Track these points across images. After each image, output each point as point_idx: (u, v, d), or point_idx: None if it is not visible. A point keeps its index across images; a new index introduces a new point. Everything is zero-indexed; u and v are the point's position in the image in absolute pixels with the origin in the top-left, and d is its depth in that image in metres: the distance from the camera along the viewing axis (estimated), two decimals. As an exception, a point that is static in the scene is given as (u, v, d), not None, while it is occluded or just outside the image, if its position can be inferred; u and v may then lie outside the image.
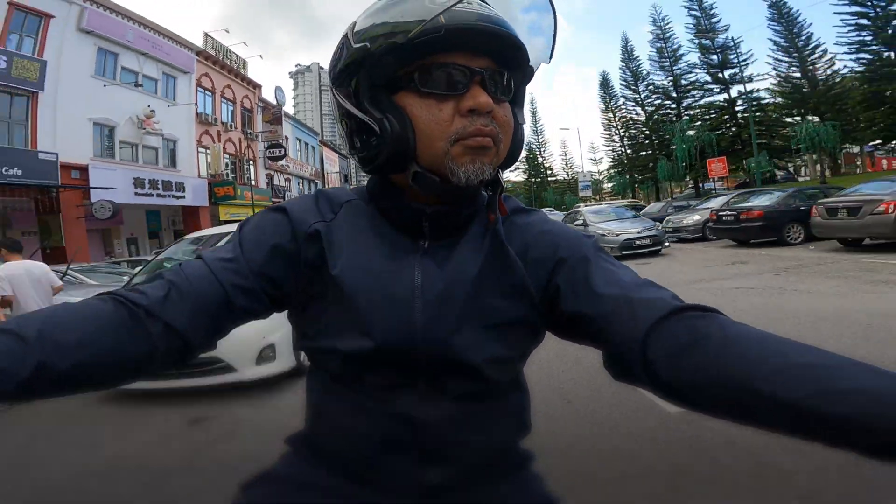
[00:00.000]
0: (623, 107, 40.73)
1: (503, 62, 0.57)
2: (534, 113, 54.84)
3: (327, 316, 0.60)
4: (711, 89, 33.90)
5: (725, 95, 33.14)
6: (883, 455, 0.38)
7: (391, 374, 0.59)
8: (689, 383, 0.48)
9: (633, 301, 0.54)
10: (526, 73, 0.61)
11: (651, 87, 37.43)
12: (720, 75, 32.82)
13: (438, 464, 0.60)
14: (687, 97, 35.09)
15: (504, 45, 0.56)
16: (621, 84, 39.82)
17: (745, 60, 30.84)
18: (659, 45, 35.81)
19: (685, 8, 33.42)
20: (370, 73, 0.56)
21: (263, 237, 0.61)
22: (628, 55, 38.77)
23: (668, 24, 35.68)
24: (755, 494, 1.98)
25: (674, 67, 35.17)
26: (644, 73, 37.89)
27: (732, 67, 31.57)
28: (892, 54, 25.54)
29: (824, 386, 0.40)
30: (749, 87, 31.40)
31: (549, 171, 56.01)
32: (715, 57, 32.62)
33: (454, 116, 0.55)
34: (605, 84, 43.11)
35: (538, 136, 54.39)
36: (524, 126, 0.63)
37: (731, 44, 31.07)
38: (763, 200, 11.15)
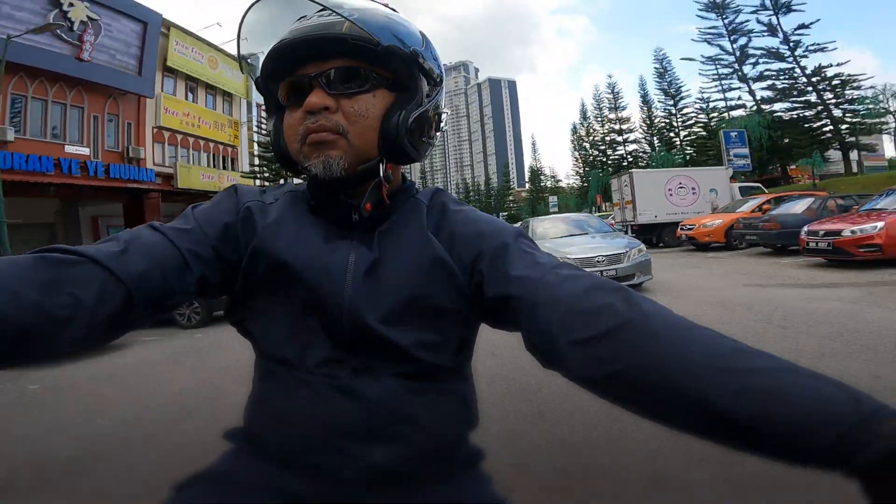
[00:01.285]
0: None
1: (359, 57, 0.61)
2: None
3: (265, 291, 0.63)
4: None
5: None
6: (807, 460, 0.37)
7: (325, 348, 0.61)
8: (604, 373, 0.47)
9: (551, 282, 0.54)
10: (400, 61, 0.62)
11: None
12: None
13: (385, 442, 0.59)
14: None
15: (330, 44, 0.60)
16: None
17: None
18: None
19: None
20: (268, 96, 0.67)
21: (217, 215, 0.64)
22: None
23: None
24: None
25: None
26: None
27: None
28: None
29: (745, 383, 0.40)
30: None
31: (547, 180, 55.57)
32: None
33: (303, 120, 0.61)
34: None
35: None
36: (416, 112, 0.64)
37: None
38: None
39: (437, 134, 0.70)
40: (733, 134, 25.41)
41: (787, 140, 27.92)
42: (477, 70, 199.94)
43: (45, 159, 12.96)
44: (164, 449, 2.77)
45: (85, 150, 14.51)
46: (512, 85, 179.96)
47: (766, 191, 16.49)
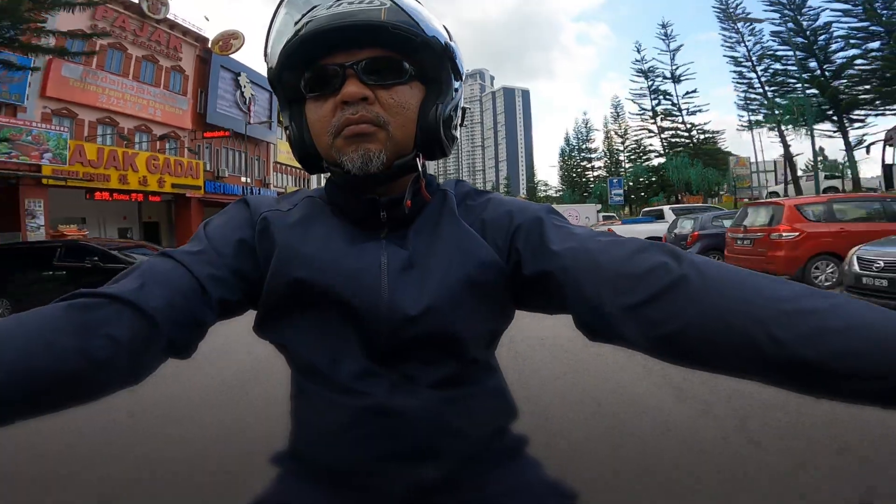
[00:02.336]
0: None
1: (393, 47, 0.58)
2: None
3: (292, 304, 0.60)
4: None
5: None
6: (886, 399, 0.37)
7: (360, 360, 0.59)
8: (666, 333, 0.45)
9: (592, 250, 0.53)
10: (432, 51, 0.60)
11: None
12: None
13: (431, 460, 0.58)
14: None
15: (368, 32, 0.56)
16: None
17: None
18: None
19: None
20: (282, 89, 0.63)
21: (229, 232, 0.61)
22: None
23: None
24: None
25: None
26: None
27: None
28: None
29: (818, 325, 0.39)
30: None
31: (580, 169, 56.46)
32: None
33: (335, 112, 0.58)
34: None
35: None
36: (449, 106, 0.63)
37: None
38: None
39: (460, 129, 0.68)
40: (615, 180, 39.16)
41: (651, 181, 41.19)
42: (493, 78, 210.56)
43: (235, 187, 25.38)
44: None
45: (246, 179, 27.05)
46: (525, 94, 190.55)
47: (616, 217, 28.28)
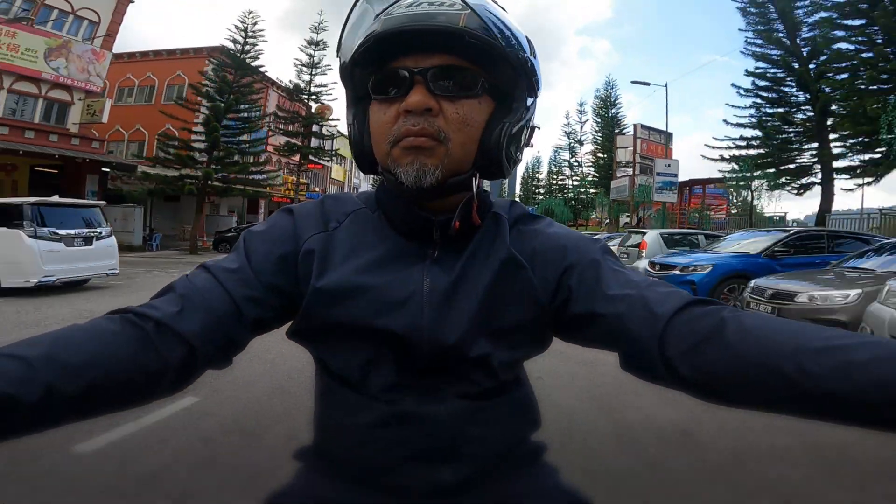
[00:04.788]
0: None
1: (467, 57, 0.55)
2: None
3: (330, 321, 0.60)
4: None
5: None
6: None
7: (392, 374, 0.60)
8: (711, 374, 0.48)
9: (648, 299, 0.54)
10: (509, 67, 0.57)
11: None
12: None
13: (451, 462, 0.60)
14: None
15: (443, 38, 0.53)
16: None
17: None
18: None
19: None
20: (351, 85, 0.61)
21: (270, 247, 0.61)
22: None
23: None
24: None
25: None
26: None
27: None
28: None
29: (845, 359, 0.40)
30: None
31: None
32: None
33: (398, 118, 0.56)
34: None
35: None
36: (517, 126, 0.60)
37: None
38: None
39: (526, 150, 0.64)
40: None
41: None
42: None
43: (316, 194, 27.55)
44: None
45: (317, 188, 28.82)
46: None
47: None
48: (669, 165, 24.54)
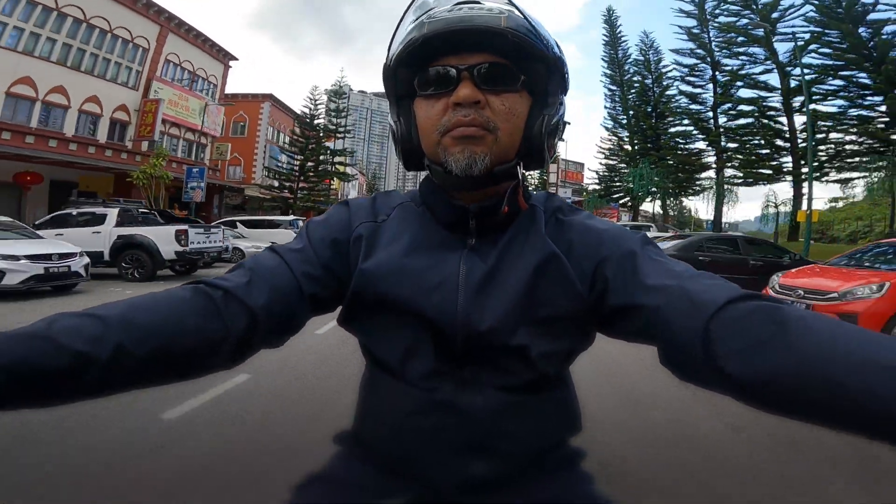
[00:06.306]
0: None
1: (506, 55, 0.59)
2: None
3: (374, 306, 0.63)
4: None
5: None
6: None
7: (431, 361, 0.61)
8: (769, 378, 0.43)
9: (690, 290, 0.51)
10: (544, 62, 0.61)
11: None
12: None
13: (483, 456, 0.60)
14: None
15: (487, 37, 0.58)
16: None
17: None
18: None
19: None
20: (394, 84, 0.65)
21: (328, 232, 0.66)
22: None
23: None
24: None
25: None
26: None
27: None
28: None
29: None
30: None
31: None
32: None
33: (446, 111, 0.60)
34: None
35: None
36: (554, 119, 0.63)
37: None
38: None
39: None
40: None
41: None
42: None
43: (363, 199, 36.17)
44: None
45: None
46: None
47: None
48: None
